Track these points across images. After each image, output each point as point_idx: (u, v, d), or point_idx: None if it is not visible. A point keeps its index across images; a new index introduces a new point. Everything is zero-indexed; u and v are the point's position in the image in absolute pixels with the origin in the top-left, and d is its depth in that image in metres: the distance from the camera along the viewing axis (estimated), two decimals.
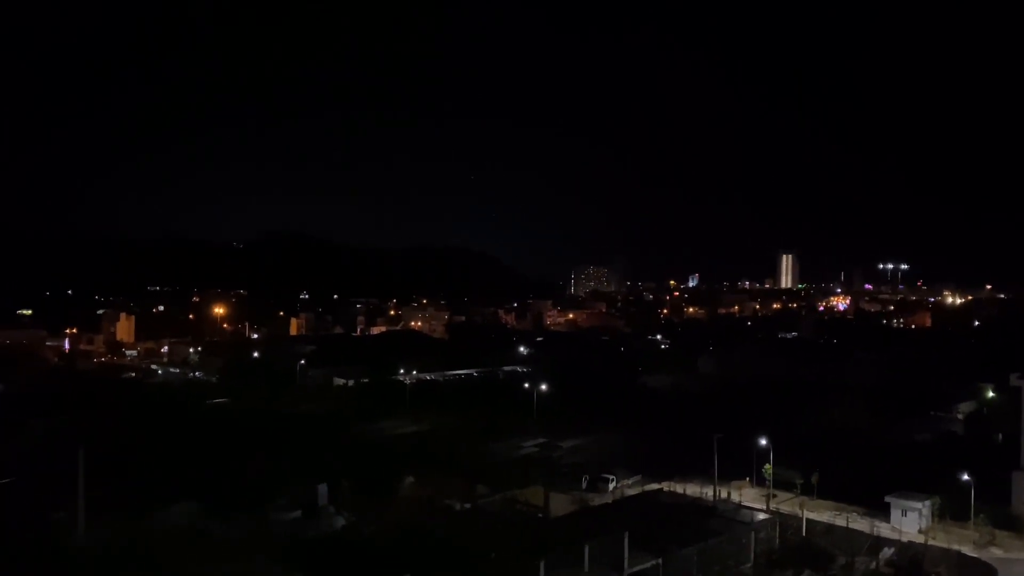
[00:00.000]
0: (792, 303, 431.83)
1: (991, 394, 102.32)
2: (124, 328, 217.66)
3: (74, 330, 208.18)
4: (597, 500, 62.42)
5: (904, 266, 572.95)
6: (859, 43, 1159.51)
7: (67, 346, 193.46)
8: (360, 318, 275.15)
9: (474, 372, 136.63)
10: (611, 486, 66.50)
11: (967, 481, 57.31)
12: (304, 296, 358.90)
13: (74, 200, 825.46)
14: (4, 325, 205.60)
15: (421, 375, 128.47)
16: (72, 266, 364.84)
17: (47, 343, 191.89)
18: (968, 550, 52.54)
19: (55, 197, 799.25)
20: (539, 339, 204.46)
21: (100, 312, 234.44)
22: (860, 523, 56.71)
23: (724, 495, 62.71)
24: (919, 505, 56.83)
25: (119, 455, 65.28)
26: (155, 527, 48.14)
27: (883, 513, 57.83)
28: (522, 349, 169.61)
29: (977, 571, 49.10)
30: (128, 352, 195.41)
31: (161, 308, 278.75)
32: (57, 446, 64.34)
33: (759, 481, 66.05)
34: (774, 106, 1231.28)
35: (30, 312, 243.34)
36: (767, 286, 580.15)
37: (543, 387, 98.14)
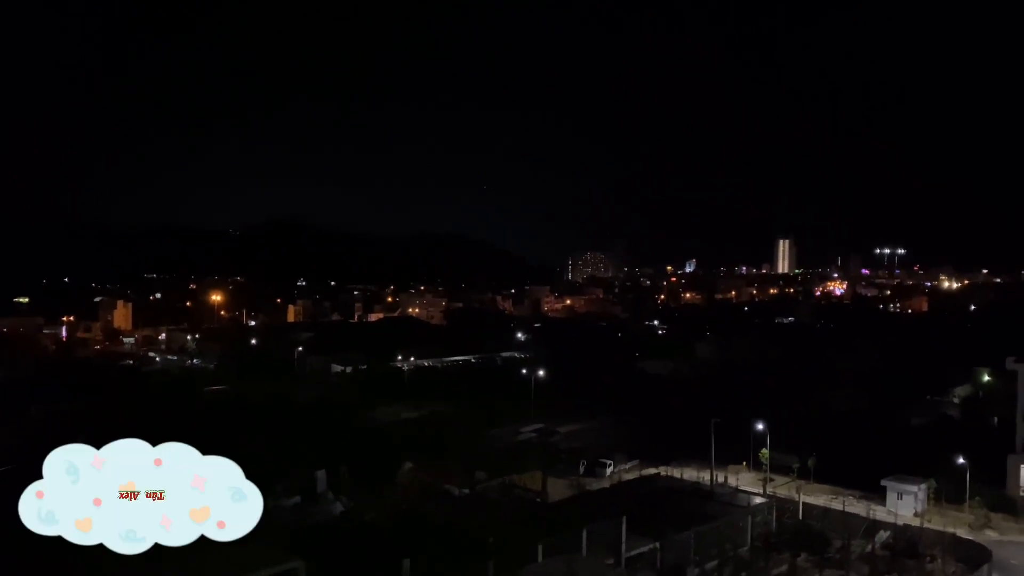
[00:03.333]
0: (789, 288, 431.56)
1: (987, 378, 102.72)
2: (121, 316, 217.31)
3: (71, 318, 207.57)
4: (595, 485, 62.71)
5: (901, 251, 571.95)
6: (854, 26, 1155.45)
7: (64, 334, 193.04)
8: (358, 305, 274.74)
9: (472, 358, 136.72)
10: (609, 471, 66.84)
11: (963, 464, 57.67)
12: (301, 283, 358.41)
13: (71, 188, 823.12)
14: (1, 313, 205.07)
15: (419, 361, 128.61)
16: (69, 254, 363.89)
17: (44, 331, 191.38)
18: (963, 533, 52.90)
19: (52, 185, 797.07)
20: (537, 325, 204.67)
21: (97, 300, 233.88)
22: (856, 506, 57.05)
23: (721, 479, 63.01)
24: (915, 488, 57.18)
25: None
26: None
27: (879, 496, 58.22)
28: (520, 335, 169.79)
29: (972, 553, 49.38)
30: (126, 340, 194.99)
31: (158, 295, 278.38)
32: (55, 434, 64.44)
33: (756, 465, 66.37)
34: (770, 90, 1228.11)
35: (27, 300, 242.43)
36: (764, 271, 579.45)
37: (541, 373, 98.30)
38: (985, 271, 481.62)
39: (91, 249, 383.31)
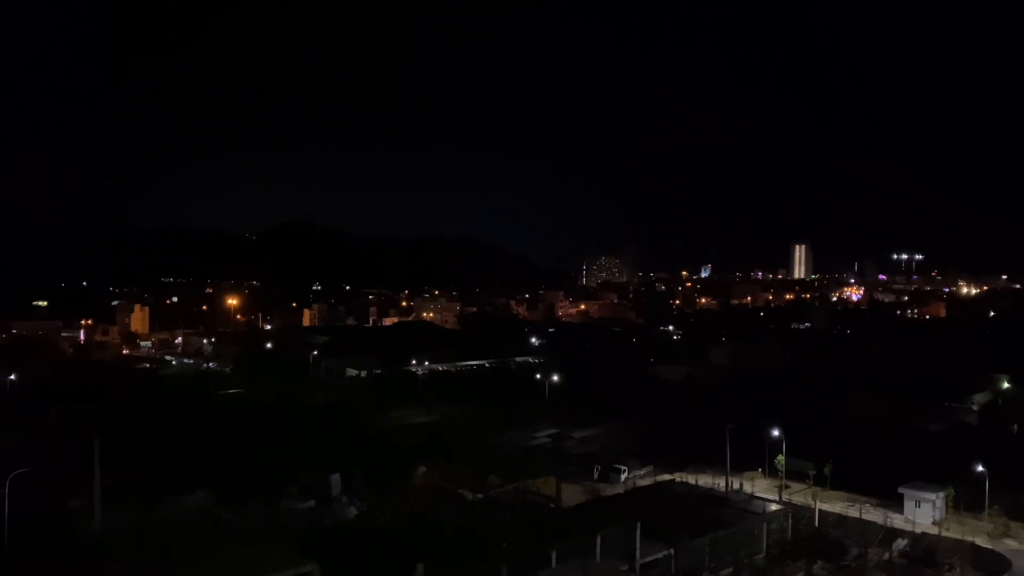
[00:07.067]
0: (805, 294, 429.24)
1: (1006, 385, 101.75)
2: (138, 319, 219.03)
3: (89, 321, 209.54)
4: (609, 490, 62.47)
5: (918, 256, 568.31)
6: (869, 33, 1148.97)
7: (82, 337, 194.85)
8: (373, 309, 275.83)
9: (486, 363, 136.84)
10: (623, 476, 66.51)
11: (981, 472, 56.94)
12: (317, 287, 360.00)
13: (88, 193, 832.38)
14: (20, 316, 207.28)
15: (433, 366, 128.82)
16: (87, 258, 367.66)
17: (63, 334, 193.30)
18: (982, 541, 52.23)
19: (70, 190, 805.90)
20: (551, 330, 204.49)
21: (115, 303, 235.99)
22: (873, 514, 56.52)
23: (736, 485, 62.56)
24: (933, 496, 56.53)
25: (134, 445, 65.90)
26: (170, 516, 48.58)
27: (896, 504, 57.59)
28: (534, 340, 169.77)
29: (991, 563, 48.79)
30: (142, 343, 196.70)
31: (175, 299, 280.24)
32: (73, 436, 65.10)
33: (771, 471, 65.88)
34: (787, 97, 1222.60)
35: (46, 303, 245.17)
36: (780, 277, 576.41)
37: (555, 378, 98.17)
38: (1004, 277, 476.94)
39: (108, 253, 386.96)
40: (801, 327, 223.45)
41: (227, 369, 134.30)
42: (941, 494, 56.88)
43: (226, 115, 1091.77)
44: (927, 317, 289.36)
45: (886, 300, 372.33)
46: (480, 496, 56.83)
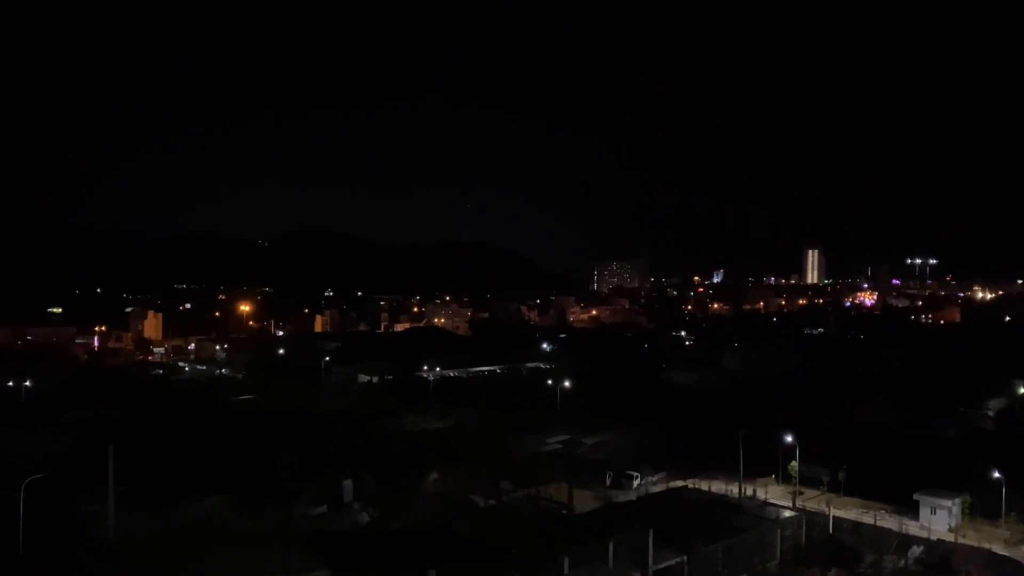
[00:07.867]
0: (818, 299, 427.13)
1: (1022, 390, 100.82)
2: (152, 326, 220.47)
3: (103, 328, 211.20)
4: (621, 497, 62.34)
5: (932, 261, 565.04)
6: (883, 37, 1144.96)
7: (96, 343, 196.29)
8: (384, 315, 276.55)
9: (497, 369, 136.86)
10: (635, 483, 66.35)
11: (998, 479, 56.45)
12: (329, 293, 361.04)
13: (102, 199, 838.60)
14: (35, 323, 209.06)
15: (445, 372, 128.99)
16: (100, 264, 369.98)
17: (77, 340, 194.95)
18: (999, 549, 51.73)
19: (83, 196, 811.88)
20: (562, 335, 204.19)
21: (128, 310, 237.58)
22: (888, 521, 56.10)
23: (749, 492, 62.30)
24: (949, 503, 56.05)
25: (148, 450, 66.27)
26: (183, 520, 48.81)
27: (912, 511, 57.12)
28: (545, 345, 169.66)
29: (1008, 570, 48.35)
30: (156, 349, 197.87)
31: (188, 306, 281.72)
32: (88, 441, 65.48)
33: (785, 478, 65.54)
34: (794, 99, 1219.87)
35: (60, 310, 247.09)
36: (793, 282, 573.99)
37: (567, 383, 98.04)
38: (1020, 281, 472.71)
39: (122, 260, 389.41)
40: (814, 332, 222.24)
41: (240, 375, 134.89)
42: (957, 501, 56.39)
43: (240, 120, 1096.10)
44: (941, 322, 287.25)
45: (900, 305, 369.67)
46: (492, 502, 56.86)
